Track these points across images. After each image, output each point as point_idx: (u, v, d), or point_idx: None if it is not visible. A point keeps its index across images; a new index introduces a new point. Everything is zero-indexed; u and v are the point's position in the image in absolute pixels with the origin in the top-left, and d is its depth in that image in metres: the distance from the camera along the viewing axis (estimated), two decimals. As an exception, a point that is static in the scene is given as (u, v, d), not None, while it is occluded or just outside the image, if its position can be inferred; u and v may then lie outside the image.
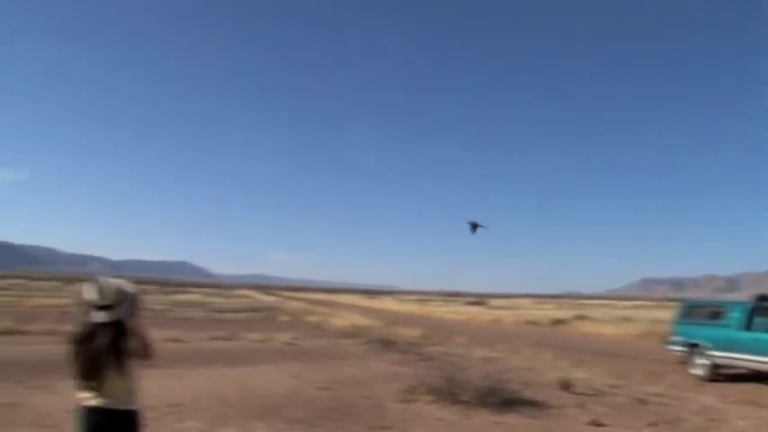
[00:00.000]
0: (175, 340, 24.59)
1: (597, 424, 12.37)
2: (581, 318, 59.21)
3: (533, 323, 54.82)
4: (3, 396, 12.64)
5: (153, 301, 61.59)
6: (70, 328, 5.19)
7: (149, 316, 35.39)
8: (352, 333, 32.62)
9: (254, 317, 47.48)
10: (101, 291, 5.04)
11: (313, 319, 46.13)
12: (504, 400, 13.52)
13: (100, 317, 4.98)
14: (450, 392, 13.92)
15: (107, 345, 4.94)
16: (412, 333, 32.61)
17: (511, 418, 12.47)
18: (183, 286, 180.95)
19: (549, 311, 78.28)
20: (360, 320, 42.12)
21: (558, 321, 55.04)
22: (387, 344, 26.53)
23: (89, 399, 4.98)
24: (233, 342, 25.95)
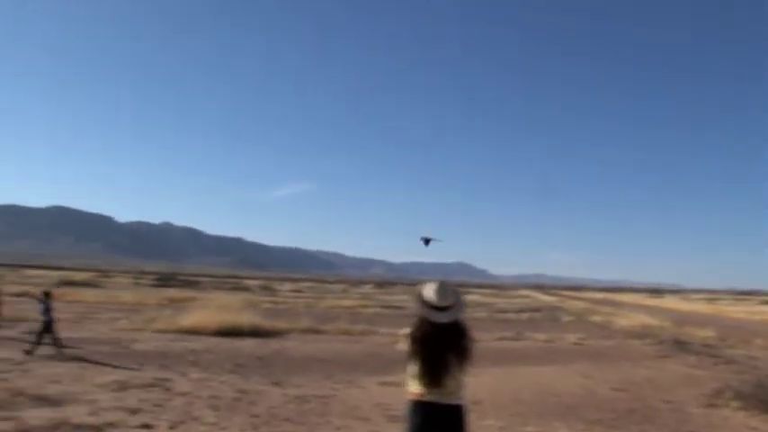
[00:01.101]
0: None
1: None
2: None
3: None
4: (316, 390, 13.62)
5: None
6: (408, 328, 5.46)
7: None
8: (641, 333, 31.44)
9: (537, 317, 47.14)
10: (442, 292, 5.28)
11: (597, 318, 45.02)
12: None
13: (441, 317, 5.22)
14: (760, 399, 12.94)
15: (451, 345, 5.18)
16: (705, 334, 30.83)
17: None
18: (462, 287, 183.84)
19: None
20: (646, 320, 40.41)
21: None
22: (680, 345, 25.29)
23: (424, 394, 5.23)
24: (520, 342, 25.99)
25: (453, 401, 5.20)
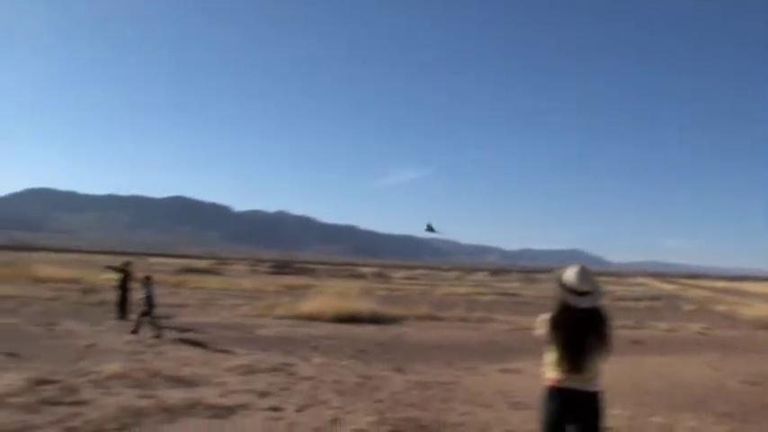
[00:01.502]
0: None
1: None
2: None
3: None
4: (438, 376, 13.71)
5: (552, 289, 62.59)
6: (547, 313, 5.45)
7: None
8: (771, 324, 30.10)
9: (656, 305, 45.75)
10: (582, 276, 5.25)
11: (721, 308, 43.21)
12: None
13: (582, 302, 5.19)
14: None
15: (591, 331, 5.14)
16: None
17: None
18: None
19: None
20: (776, 310, 38.60)
21: None
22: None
23: (562, 380, 5.21)
24: (641, 330, 25.31)
25: (591, 388, 5.17)
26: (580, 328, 5.13)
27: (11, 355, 13.87)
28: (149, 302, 18.66)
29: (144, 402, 9.87)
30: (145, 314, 18.55)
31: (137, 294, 20.47)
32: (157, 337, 17.75)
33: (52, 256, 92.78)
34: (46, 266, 47.57)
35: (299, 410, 9.89)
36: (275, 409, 9.91)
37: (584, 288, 5.20)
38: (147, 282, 19.22)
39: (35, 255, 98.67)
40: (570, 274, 5.29)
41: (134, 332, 18.17)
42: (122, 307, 21.77)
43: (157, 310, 19.13)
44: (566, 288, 5.25)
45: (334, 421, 9.36)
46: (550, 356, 5.30)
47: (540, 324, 5.41)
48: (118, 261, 25.39)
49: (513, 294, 52.20)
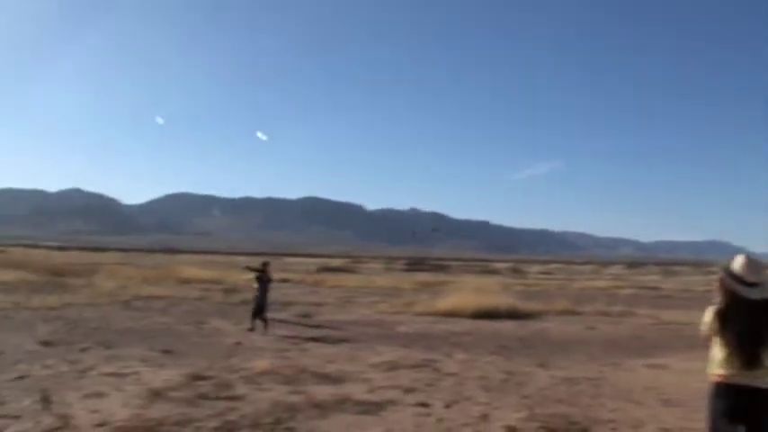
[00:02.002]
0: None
1: None
2: None
3: None
4: (583, 371, 13.43)
5: (693, 282, 60.58)
6: (713, 305, 5.22)
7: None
8: None
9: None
10: (751, 266, 4.99)
11: None
12: None
13: (752, 293, 4.92)
14: None
15: (765, 323, 4.88)
16: None
17: None
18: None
19: None
20: None
21: None
22: None
23: (732, 376, 4.96)
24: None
25: (764, 385, 4.88)
26: (754, 321, 4.85)
27: (166, 352, 14.56)
28: (262, 297, 19.51)
29: (295, 398, 10.13)
30: (259, 308, 19.39)
31: (274, 294, 21.23)
32: (251, 329, 18.78)
33: (194, 257, 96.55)
34: (189, 268, 49.51)
35: (446, 406, 9.89)
36: (423, 404, 9.95)
37: (753, 279, 4.92)
38: (261, 279, 19.99)
39: (178, 257, 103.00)
40: (738, 265, 5.03)
41: (250, 329, 18.91)
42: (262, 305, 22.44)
43: (268, 305, 19.86)
44: (735, 279, 4.98)
45: (483, 417, 9.32)
46: (718, 351, 5.06)
47: (708, 317, 5.16)
48: (255, 262, 26.14)
49: (653, 288, 50.57)
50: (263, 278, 19.76)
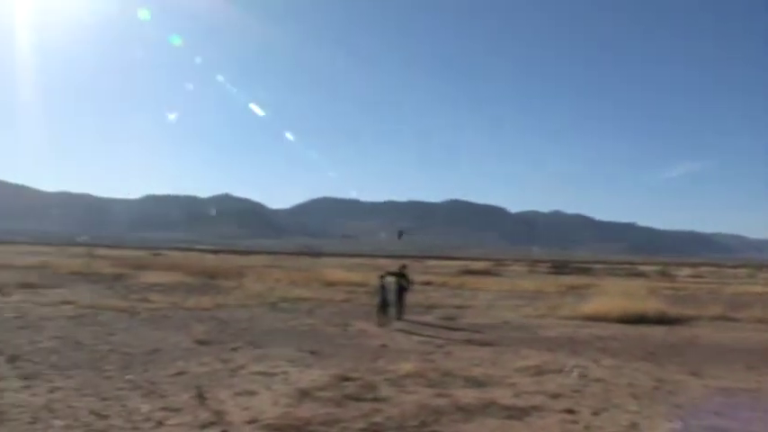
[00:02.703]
0: None
1: None
2: None
3: None
4: (739, 382, 12.83)
5: None
6: None
7: None
8: None
9: None
10: None
11: None
12: None
13: None
14: None
15: None
16: None
17: None
18: None
19: None
20: None
21: None
22: None
23: None
24: None
25: None
26: None
27: (313, 353, 14.95)
28: (385, 296, 21.85)
29: (440, 401, 10.17)
30: (383, 306, 21.67)
31: (417, 296, 21.70)
32: (382, 325, 20.47)
33: (338, 260, 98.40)
34: (334, 270, 50.43)
35: (594, 413, 9.69)
36: (570, 411, 9.78)
37: None
38: (383, 278, 22.51)
39: (323, 260, 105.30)
40: None
41: (381, 325, 20.65)
42: (400, 307, 22.83)
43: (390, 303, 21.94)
44: None
45: (632, 426, 9.07)
46: None
47: None
48: (395, 266, 26.53)
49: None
50: (401, 281, 20.48)
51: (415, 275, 29.71)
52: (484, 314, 25.50)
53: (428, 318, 23.37)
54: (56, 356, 13.46)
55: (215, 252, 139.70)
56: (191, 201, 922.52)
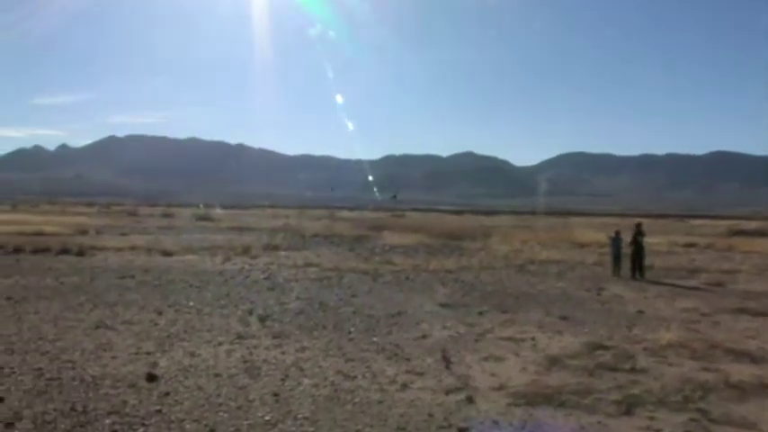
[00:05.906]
0: None
1: None
2: None
3: None
4: None
5: None
6: None
7: None
8: None
9: None
10: None
11: None
12: None
13: None
14: None
15: None
16: None
17: None
18: None
19: None
20: None
21: None
22: None
23: None
24: None
25: None
26: None
27: (563, 318, 14.21)
28: (617, 253, 23.94)
29: (707, 376, 9.10)
30: (616, 261, 23.81)
31: (678, 259, 20.44)
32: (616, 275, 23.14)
33: (590, 220, 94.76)
34: (585, 231, 48.58)
35: None
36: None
37: None
38: (617, 236, 24.48)
39: (573, 219, 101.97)
40: None
41: (615, 274, 23.29)
42: (637, 264, 23.46)
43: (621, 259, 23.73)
44: None
45: None
46: None
47: None
48: (649, 224, 26.12)
49: None
50: (636, 237, 23.43)
51: (677, 236, 27.36)
52: (758, 280, 23.00)
53: (692, 282, 21.62)
54: (302, 317, 13.85)
55: (458, 213, 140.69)
56: (431, 160, 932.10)
